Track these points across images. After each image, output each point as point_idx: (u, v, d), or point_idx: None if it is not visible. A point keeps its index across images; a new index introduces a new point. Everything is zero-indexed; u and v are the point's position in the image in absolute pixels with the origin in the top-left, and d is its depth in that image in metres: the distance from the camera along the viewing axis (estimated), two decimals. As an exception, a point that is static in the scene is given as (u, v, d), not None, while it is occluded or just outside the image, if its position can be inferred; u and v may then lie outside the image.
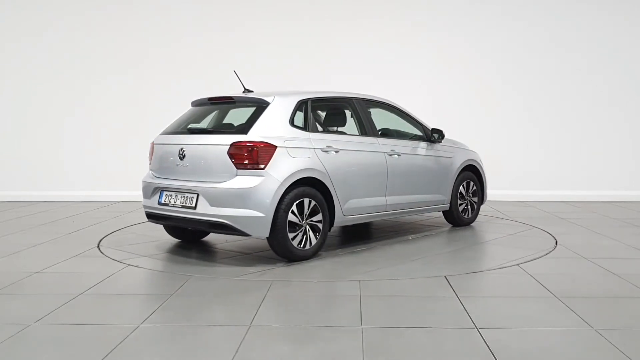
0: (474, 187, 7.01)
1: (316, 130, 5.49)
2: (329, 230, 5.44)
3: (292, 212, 5.02)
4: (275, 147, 4.99)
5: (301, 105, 5.42)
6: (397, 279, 4.59)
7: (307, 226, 5.16)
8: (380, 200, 5.86)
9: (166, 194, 5.33)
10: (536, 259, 5.34)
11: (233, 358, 3.01)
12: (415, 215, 7.36)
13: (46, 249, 5.84)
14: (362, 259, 5.32)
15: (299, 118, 5.41)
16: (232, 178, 4.93)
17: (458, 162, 6.73)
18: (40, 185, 9.87)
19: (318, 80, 9.49)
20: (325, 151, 5.34)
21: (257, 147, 4.91)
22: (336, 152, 5.43)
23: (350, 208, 5.54)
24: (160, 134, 5.76)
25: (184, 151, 5.25)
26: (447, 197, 6.63)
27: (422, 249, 5.80)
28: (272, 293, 4.20)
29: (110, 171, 9.73)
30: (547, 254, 5.54)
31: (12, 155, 9.97)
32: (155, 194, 5.47)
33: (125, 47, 9.90)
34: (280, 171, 4.94)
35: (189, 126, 5.61)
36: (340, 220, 5.47)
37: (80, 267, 5.08)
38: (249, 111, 5.35)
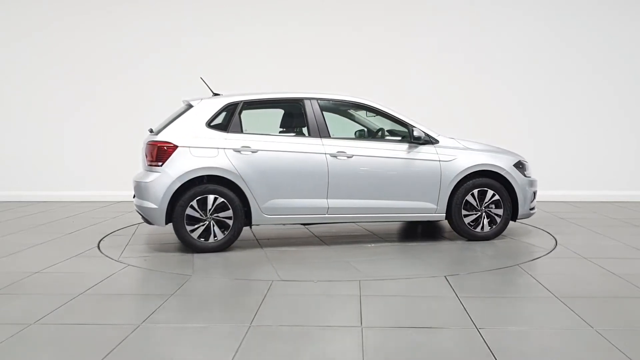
0: (494, 197, 6.02)
1: (238, 131, 5.70)
2: (249, 227, 5.83)
3: (192, 206, 5.46)
4: (176, 146, 5.51)
5: (228, 108, 5.80)
6: (397, 279, 4.59)
7: (212, 221, 5.52)
8: (320, 202, 5.72)
9: None
10: (536, 259, 5.34)
11: (233, 358, 3.02)
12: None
13: (46, 249, 5.84)
14: (268, 258, 5.35)
15: (221, 120, 5.80)
16: (144, 173, 5.68)
17: (460, 167, 5.92)
18: (41, 185, 9.86)
19: (318, 82, 9.47)
20: (238, 151, 5.57)
21: (157, 147, 5.55)
22: (253, 152, 5.59)
23: (273, 208, 5.64)
24: None
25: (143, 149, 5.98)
26: (438, 206, 5.92)
27: (419, 249, 5.81)
28: (272, 293, 4.20)
29: (110, 171, 9.71)
30: (547, 254, 5.54)
31: (12, 155, 9.96)
32: None
33: (128, 47, 9.89)
34: (176, 169, 5.45)
35: (150, 127, 6.12)
36: (259, 219, 5.66)
37: (80, 267, 5.08)
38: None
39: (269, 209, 5.64)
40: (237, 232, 5.60)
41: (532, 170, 6.39)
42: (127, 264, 5.14)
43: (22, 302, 4.03)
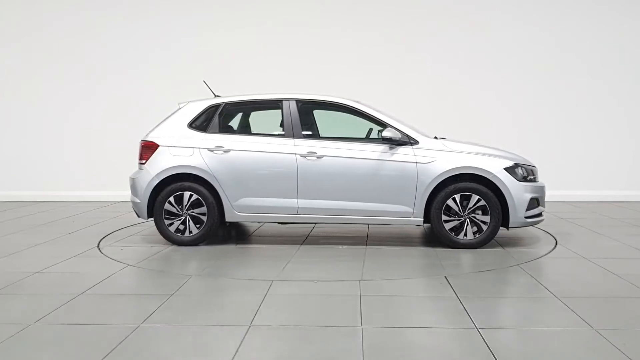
0: (480, 202, 5.59)
1: (216, 132, 5.97)
2: (226, 224, 6.21)
3: (170, 202, 5.83)
4: (158, 145, 5.92)
5: (210, 109, 6.07)
6: (397, 279, 4.59)
7: (188, 216, 5.86)
8: (290, 202, 5.76)
9: None
10: (536, 259, 5.34)
11: (233, 358, 3.02)
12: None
13: (46, 249, 5.84)
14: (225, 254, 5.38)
15: (202, 120, 6.06)
16: (135, 170, 6.13)
17: (439, 169, 5.57)
18: (41, 185, 9.87)
19: (318, 83, 9.48)
20: (212, 150, 5.82)
21: (142, 146, 6.03)
22: (226, 151, 5.81)
23: (244, 206, 5.83)
24: None
25: None
26: (415, 210, 5.65)
27: (417, 249, 5.81)
28: (272, 293, 4.20)
29: (110, 171, 9.71)
30: (547, 254, 5.54)
31: (12, 155, 9.97)
32: None
33: (128, 48, 9.90)
34: (156, 166, 5.87)
35: None
36: (232, 216, 5.87)
37: (80, 267, 5.08)
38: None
39: (241, 207, 5.82)
40: (211, 227, 5.84)
41: (537, 175, 5.94)
42: (127, 264, 5.14)
43: (22, 302, 4.03)
